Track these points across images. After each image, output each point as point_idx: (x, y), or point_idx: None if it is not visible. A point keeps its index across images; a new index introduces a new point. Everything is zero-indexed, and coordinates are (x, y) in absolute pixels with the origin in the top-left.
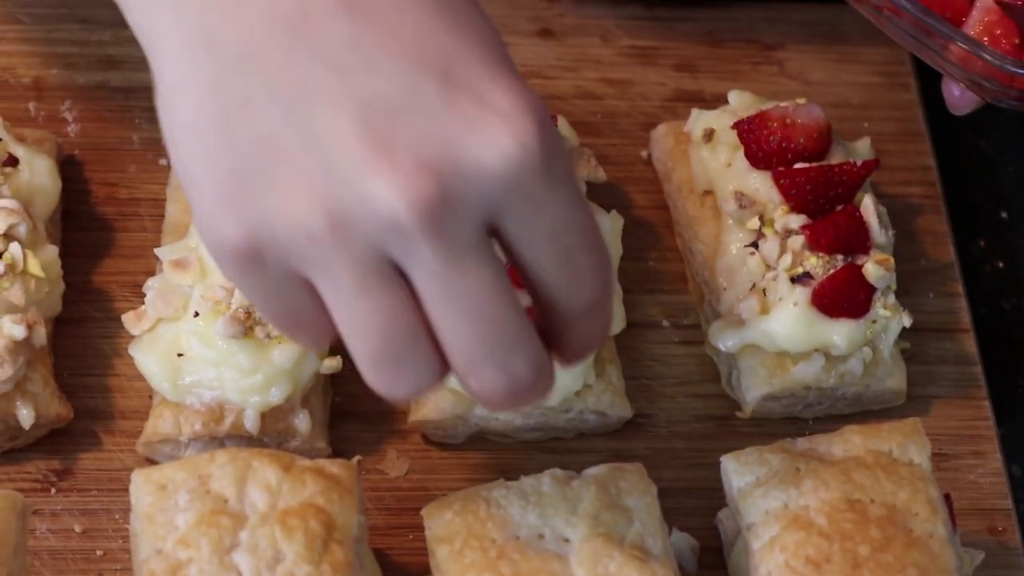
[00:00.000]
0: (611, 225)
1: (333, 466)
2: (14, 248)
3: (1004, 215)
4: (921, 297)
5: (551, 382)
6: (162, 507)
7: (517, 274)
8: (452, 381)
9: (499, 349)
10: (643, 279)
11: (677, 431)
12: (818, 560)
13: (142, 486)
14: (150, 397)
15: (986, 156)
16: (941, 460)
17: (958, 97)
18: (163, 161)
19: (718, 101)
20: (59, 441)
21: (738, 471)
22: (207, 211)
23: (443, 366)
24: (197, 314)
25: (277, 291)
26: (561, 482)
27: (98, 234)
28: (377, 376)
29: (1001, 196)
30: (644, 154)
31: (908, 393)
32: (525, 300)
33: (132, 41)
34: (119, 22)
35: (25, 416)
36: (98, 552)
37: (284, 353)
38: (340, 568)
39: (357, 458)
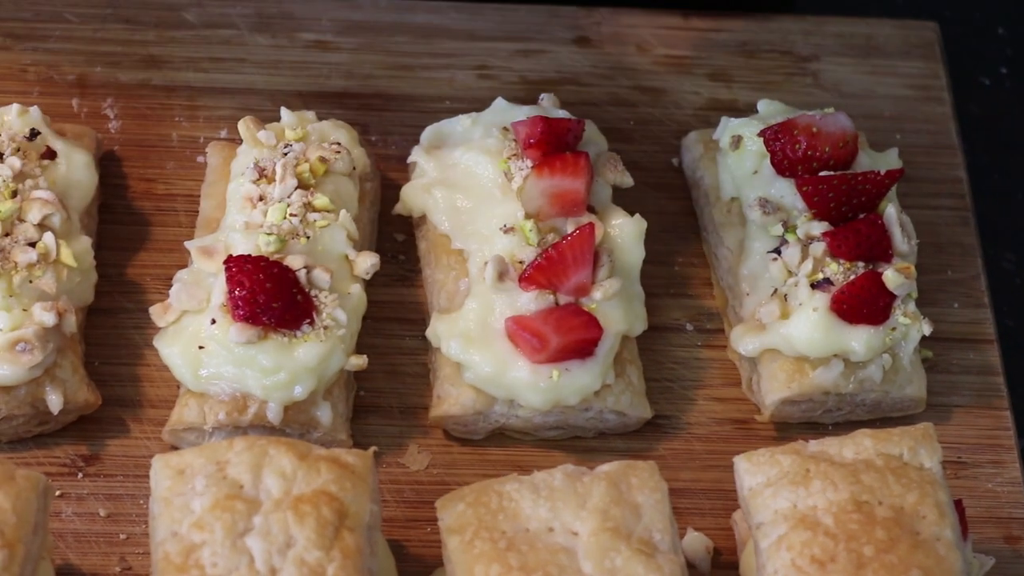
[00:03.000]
0: (634, 228)
1: (348, 455)
2: (47, 238)
3: None
4: (946, 307)
5: None
6: (179, 491)
7: None
8: (471, 376)
9: None
10: (669, 283)
11: (696, 433)
12: (823, 560)
13: (161, 470)
14: (178, 387)
15: (1019, 171)
16: (960, 468)
17: None
18: (200, 159)
19: (751, 111)
20: (87, 427)
21: (749, 471)
22: None
23: None
24: (214, 321)
25: None
26: (573, 477)
27: (134, 228)
28: None
29: None
30: (675, 161)
31: (929, 401)
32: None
33: (174, 41)
34: (163, 23)
35: (54, 401)
36: (121, 536)
37: (309, 351)
38: (350, 554)
39: (373, 448)
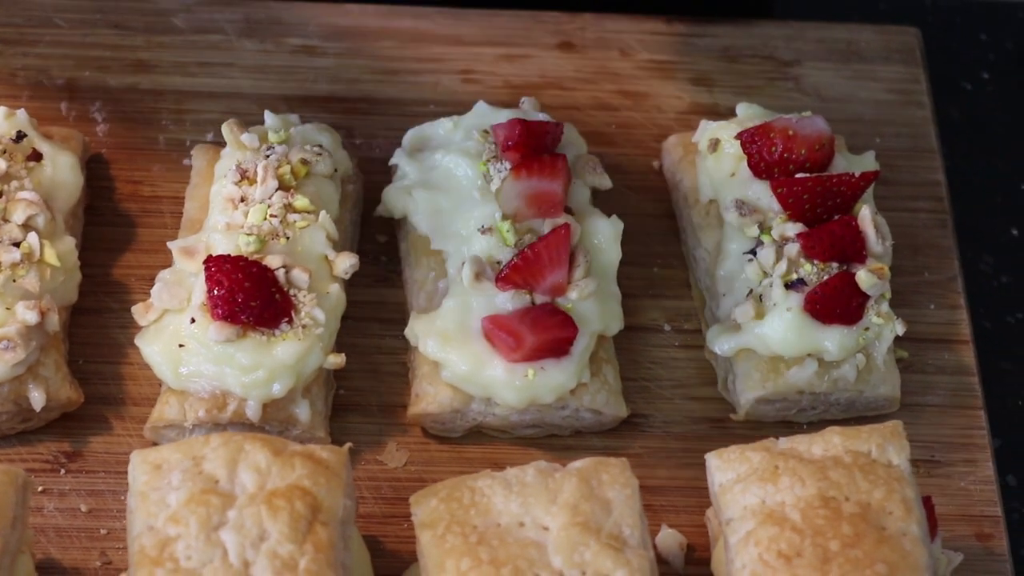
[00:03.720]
0: (611, 229)
1: (323, 451)
2: (31, 238)
3: (1015, 232)
4: (922, 308)
5: None
6: (156, 485)
7: None
8: (448, 374)
9: None
10: (648, 284)
11: (672, 431)
12: (789, 554)
13: (139, 465)
14: (160, 385)
15: (999, 175)
16: (933, 467)
17: None
18: (186, 161)
19: (732, 115)
20: (70, 424)
21: (720, 468)
22: None
23: None
24: (194, 320)
25: None
26: (545, 473)
27: (120, 229)
28: None
29: (1012, 214)
30: (656, 164)
31: (904, 401)
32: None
33: (163, 46)
34: (151, 28)
35: (36, 398)
36: (102, 531)
37: (287, 349)
38: (323, 548)
39: (348, 445)
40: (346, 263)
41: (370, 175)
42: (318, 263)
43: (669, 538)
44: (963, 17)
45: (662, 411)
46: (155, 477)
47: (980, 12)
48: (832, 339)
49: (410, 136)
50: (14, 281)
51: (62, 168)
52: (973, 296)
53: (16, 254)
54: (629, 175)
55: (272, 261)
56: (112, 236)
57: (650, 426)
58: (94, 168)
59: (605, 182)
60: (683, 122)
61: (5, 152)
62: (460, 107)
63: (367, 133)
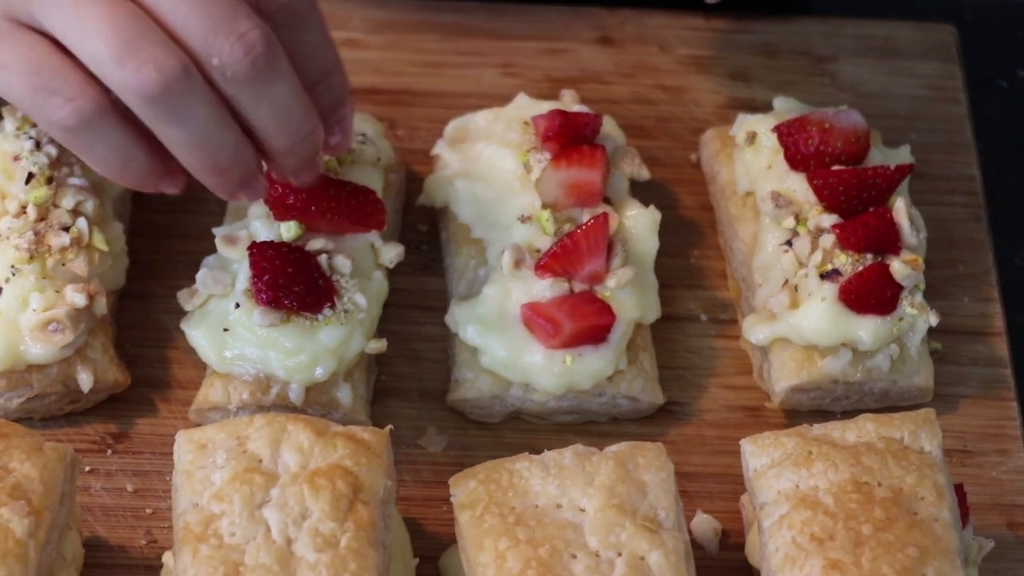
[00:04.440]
0: (648, 219)
1: (364, 432)
2: (80, 223)
3: None
4: (956, 301)
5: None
6: (201, 464)
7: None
8: (487, 360)
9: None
10: (685, 275)
11: (708, 419)
12: (822, 537)
13: (184, 445)
14: (204, 368)
15: None
16: (965, 456)
17: None
18: None
19: (769, 110)
20: (117, 406)
21: (755, 453)
22: None
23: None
24: (238, 305)
25: (10, 45)
26: (582, 457)
27: (166, 216)
28: (120, 68)
29: None
30: (693, 157)
31: (937, 392)
32: None
33: None
34: None
35: (84, 380)
36: (148, 510)
37: (330, 334)
38: (364, 527)
39: (389, 427)
40: (392, 252)
41: (412, 165)
42: (364, 251)
43: (704, 523)
44: (1000, 16)
45: (698, 399)
46: (200, 456)
47: (1017, 11)
48: (866, 329)
49: (452, 127)
50: (63, 265)
51: None
52: (1007, 289)
53: (65, 238)
54: (667, 168)
55: (315, 246)
56: (159, 223)
57: (686, 414)
58: None
59: (643, 173)
60: (721, 116)
61: (56, 141)
62: (501, 100)
63: (409, 124)
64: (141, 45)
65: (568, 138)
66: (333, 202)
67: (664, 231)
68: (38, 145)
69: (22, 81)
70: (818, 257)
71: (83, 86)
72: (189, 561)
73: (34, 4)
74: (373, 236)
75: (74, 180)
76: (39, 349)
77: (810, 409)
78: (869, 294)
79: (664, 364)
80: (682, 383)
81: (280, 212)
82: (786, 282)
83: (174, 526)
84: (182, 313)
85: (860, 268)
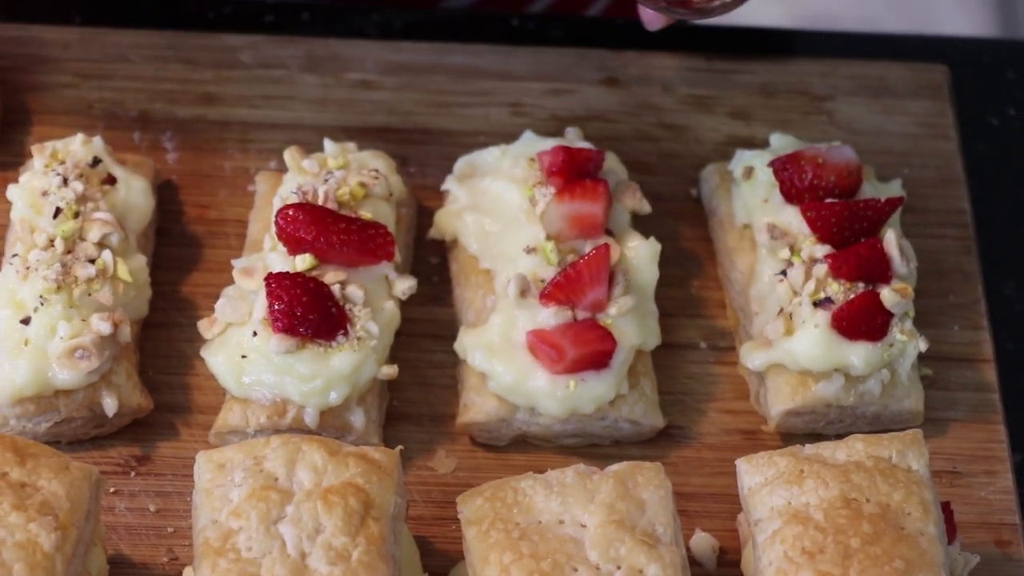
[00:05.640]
0: (649, 250)
1: (376, 452)
2: (106, 255)
3: None
4: (947, 329)
5: None
6: (219, 483)
7: None
8: (495, 385)
9: None
10: (685, 304)
11: (707, 442)
12: (812, 551)
13: (204, 464)
14: (224, 394)
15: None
16: (955, 477)
17: (650, 16)
18: (250, 187)
19: (767, 146)
20: (140, 431)
21: (749, 472)
22: None
23: None
24: (256, 333)
25: None
26: (583, 475)
27: (188, 250)
28: None
29: None
30: (694, 192)
31: (928, 416)
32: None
33: (229, 80)
34: (219, 63)
35: (109, 405)
36: (169, 529)
37: (344, 360)
38: (375, 541)
39: (400, 448)
40: (405, 284)
41: (423, 201)
42: (377, 282)
43: (702, 541)
44: (990, 55)
45: (697, 423)
46: (219, 475)
47: (1007, 51)
48: (858, 354)
49: (461, 163)
50: (89, 295)
51: (135, 191)
52: (996, 319)
53: (92, 270)
54: (668, 202)
55: (328, 277)
56: (180, 256)
57: (686, 437)
58: (164, 193)
59: (644, 207)
60: (721, 152)
61: (82, 176)
62: (509, 138)
63: (421, 161)
64: None
65: (572, 173)
66: (343, 235)
67: (665, 263)
68: (65, 181)
69: None
70: (811, 286)
71: None
72: (208, 574)
73: None
74: (387, 269)
75: (100, 215)
76: (66, 375)
77: (805, 432)
78: (860, 321)
79: (664, 389)
80: (682, 407)
81: (293, 247)
82: (781, 310)
83: (194, 542)
84: (202, 342)
85: (852, 296)
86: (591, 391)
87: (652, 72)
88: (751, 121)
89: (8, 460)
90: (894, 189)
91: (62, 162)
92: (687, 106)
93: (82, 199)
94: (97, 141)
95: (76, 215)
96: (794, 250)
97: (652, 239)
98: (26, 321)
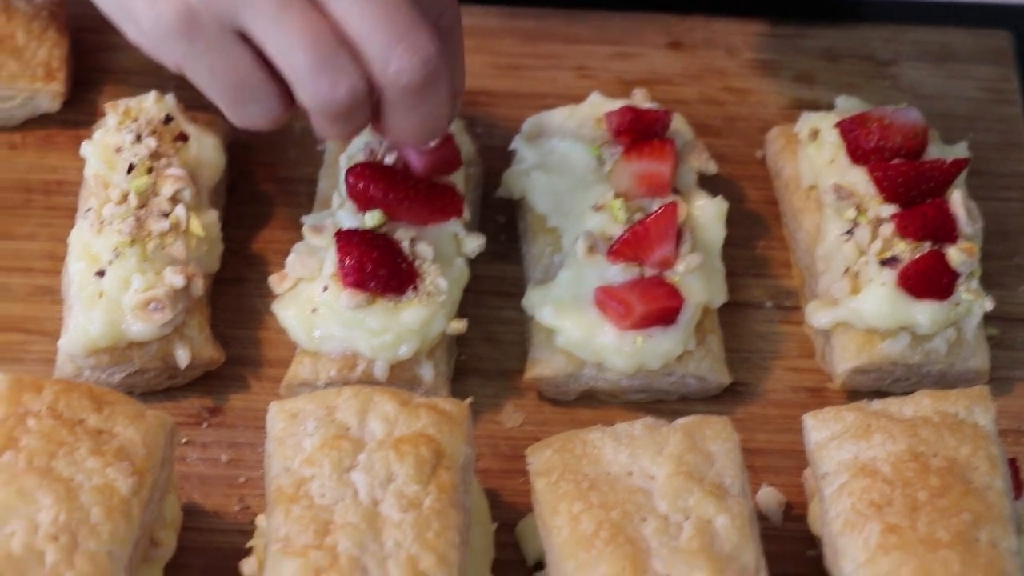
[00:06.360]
0: (716, 208)
1: (446, 403)
2: (179, 210)
3: None
4: (1012, 290)
5: (366, 112)
6: (292, 432)
7: None
8: (562, 340)
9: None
10: (751, 264)
11: (772, 399)
12: (880, 503)
13: (277, 414)
14: (294, 349)
15: None
16: (1020, 436)
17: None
18: (320, 147)
19: (831, 110)
20: (212, 383)
21: (816, 427)
22: (140, 6)
23: None
24: (326, 288)
25: (220, 50)
26: (651, 428)
27: (258, 207)
28: (317, 82)
29: None
30: (759, 154)
31: (993, 375)
32: None
33: None
34: None
35: (181, 357)
36: (241, 479)
37: (413, 314)
38: (446, 490)
39: (470, 399)
40: (474, 243)
41: (489, 161)
42: (446, 240)
43: (769, 496)
44: None
45: (763, 380)
46: (291, 424)
47: None
48: (924, 313)
49: (529, 123)
50: (163, 248)
51: (206, 148)
52: None
53: (165, 224)
54: (734, 164)
55: (398, 234)
56: (251, 213)
57: (751, 394)
58: (235, 152)
59: (711, 167)
60: (785, 116)
61: (155, 133)
62: (574, 100)
63: (487, 123)
64: (335, 63)
65: (639, 133)
66: (413, 192)
67: (731, 223)
68: (139, 138)
69: (225, 89)
70: (878, 245)
71: (276, 99)
72: (282, 520)
73: (242, 11)
74: (456, 226)
75: (172, 170)
76: (140, 327)
77: (870, 390)
78: (927, 280)
79: (731, 347)
80: (748, 365)
81: (363, 204)
82: (847, 269)
83: (267, 489)
84: (272, 297)
85: (918, 255)
86: (658, 347)
87: (716, 37)
88: (815, 85)
89: (85, 407)
90: (960, 151)
91: (135, 119)
92: (751, 70)
93: (155, 155)
94: (170, 99)
95: (149, 171)
96: (860, 210)
97: (719, 198)
98: (101, 273)
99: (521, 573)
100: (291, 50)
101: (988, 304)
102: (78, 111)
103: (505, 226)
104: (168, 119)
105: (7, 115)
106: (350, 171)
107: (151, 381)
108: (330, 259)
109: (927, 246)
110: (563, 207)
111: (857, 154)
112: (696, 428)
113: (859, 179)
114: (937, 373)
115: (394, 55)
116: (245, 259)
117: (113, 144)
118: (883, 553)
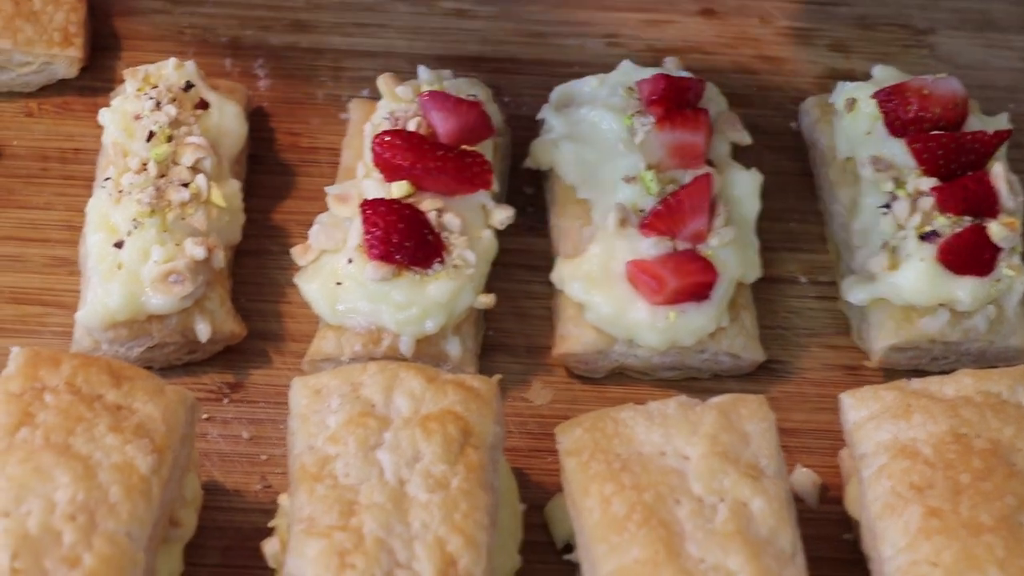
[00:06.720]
0: (751, 181)
1: (474, 380)
2: (199, 179)
3: None
4: None
5: None
6: (316, 408)
7: None
8: (592, 316)
9: None
10: (785, 238)
11: (808, 377)
12: (921, 486)
13: (300, 390)
14: (317, 323)
15: None
16: None
17: None
18: (343, 115)
19: (867, 80)
20: (233, 358)
21: (854, 406)
22: None
23: None
24: (351, 260)
25: None
26: (685, 407)
27: (280, 177)
28: None
29: None
30: (793, 125)
31: None
32: None
33: (321, 7)
34: None
35: (202, 330)
36: (263, 456)
37: (440, 288)
38: (474, 469)
39: (498, 376)
40: (503, 214)
41: (516, 131)
42: (474, 211)
43: (803, 477)
44: None
45: (798, 358)
46: (315, 401)
47: None
48: (964, 289)
49: (557, 92)
50: (183, 219)
51: (227, 116)
52: None
53: (185, 194)
54: (767, 135)
55: (425, 205)
56: (273, 184)
57: (786, 372)
58: (256, 120)
59: (745, 138)
60: (820, 86)
61: (175, 100)
62: (604, 69)
63: (514, 92)
64: None
65: (672, 102)
66: (440, 162)
67: (764, 196)
68: (158, 105)
69: None
70: (917, 219)
71: None
72: (305, 499)
73: None
74: (484, 198)
75: (193, 139)
76: (159, 299)
77: (908, 368)
78: (967, 255)
79: (765, 324)
80: (782, 342)
81: (389, 173)
82: (885, 244)
83: (289, 467)
84: (295, 270)
85: (958, 230)
86: (691, 323)
87: (749, 4)
88: (850, 54)
89: (104, 382)
90: (1001, 123)
91: (154, 86)
92: (785, 38)
93: (175, 123)
94: (189, 65)
95: (169, 139)
96: (899, 183)
97: (754, 170)
98: (119, 245)
99: (550, 555)
100: None
101: None
102: (96, 77)
103: (533, 197)
104: (188, 86)
105: (23, 81)
106: (377, 139)
107: (170, 356)
108: (355, 230)
109: (967, 220)
110: (593, 178)
111: (895, 125)
112: (731, 407)
113: (897, 151)
114: (976, 351)
115: None
116: (267, 230)
117: (132, 111)
118: (924, 537)
